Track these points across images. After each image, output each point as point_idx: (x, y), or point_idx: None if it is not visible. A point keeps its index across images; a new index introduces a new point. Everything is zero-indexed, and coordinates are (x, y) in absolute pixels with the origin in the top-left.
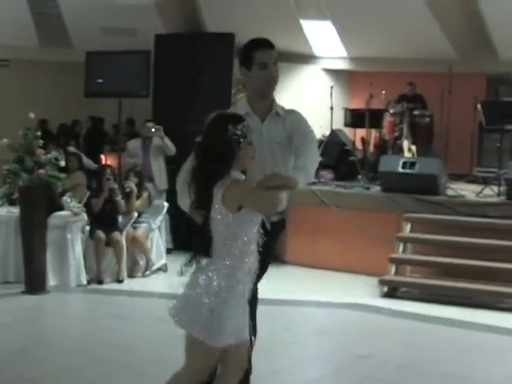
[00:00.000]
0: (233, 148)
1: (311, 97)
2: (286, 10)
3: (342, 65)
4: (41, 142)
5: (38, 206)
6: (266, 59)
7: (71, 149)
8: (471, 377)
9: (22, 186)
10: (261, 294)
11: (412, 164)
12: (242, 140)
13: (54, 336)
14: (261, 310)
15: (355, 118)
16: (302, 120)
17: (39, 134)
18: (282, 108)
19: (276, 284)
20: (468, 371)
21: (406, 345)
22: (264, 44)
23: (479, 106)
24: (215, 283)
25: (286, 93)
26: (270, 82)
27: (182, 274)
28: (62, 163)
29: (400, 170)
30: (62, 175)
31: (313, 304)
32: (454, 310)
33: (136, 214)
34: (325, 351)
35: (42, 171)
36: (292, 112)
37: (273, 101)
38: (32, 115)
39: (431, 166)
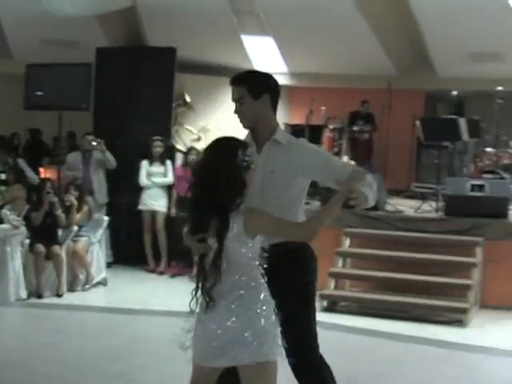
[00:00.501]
0: (243, 174)
1: None
2: (227, 24)
3: (282, 80)
4: None
5: None
6: (232, 97)
7: (21, 162)
8: None
9: None
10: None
11: None
12: (250, 166)
13: None
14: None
15: (295, 134)
16: (309, 150)
17: None
18: (286, 136)
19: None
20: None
21: (348, 358)
22: (231, 80)
23: (418, 123)
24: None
25: (227, 107)
26: (239, 118)
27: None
28: (3, 176)
29: None
30: (2, 188)
31: None
32: (392, 324)
33: (76, 228)
34: None
35: None
36: (298, 142)
37: (274, 129)
38: None
39: None
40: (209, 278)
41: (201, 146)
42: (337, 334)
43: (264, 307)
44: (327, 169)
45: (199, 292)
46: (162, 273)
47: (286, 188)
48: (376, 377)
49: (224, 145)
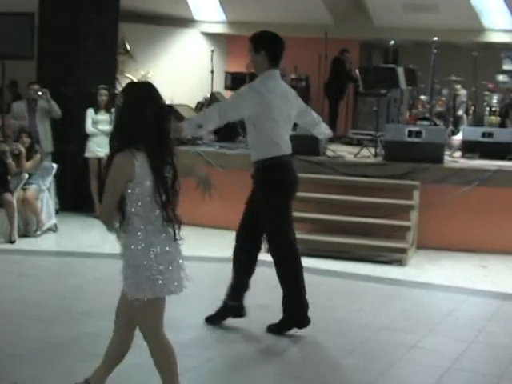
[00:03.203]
0: None
1: (191, 60)
2: None
3: (221, 29)
4: None
5: None
6: None
7: None
8: (359, 321)
9: None
10: None
11: (293, 126)
12: None
13: None
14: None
15: (236, 82)
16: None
17: None
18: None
19: None
20: (356, 316)
21: None
22: None
23: (357, 72)
24: None
25: (167, 55)
26: None
27: None
28: None
29: None
30: None
31: (202, 259)
32: (336, 263)
33: (27, 176)
34: (215, 301)
35: None
36: None
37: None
38: None
39: None
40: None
41: None
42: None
43: None
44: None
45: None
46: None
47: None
48: (328, 311)
49: None
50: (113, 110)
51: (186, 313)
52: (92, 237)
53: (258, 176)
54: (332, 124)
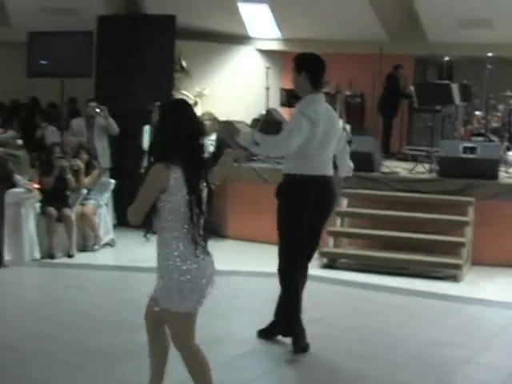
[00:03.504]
0: None
1: (246, 77)
2: None
3: (276, 46)
4: None
5: None
6: None
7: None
8: (414, 336)
9: None
10: None
11: (348, 142)
12: None
13: (21, 306)
14: None
15: (291, 98)
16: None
17: None
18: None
19: (218, 256)
20: (410, 331)
21: (352, 310)
22: None
23: (412, 88)
24: None
25: (223, 72)
26: None
27: None
28: (20, 142)
29: None
30: (20, 153)
31: (259, 274)
32: (391, 279)
33: (85, 191)
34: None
35: (1, 150)
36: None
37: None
38: None
39: (366, 144)
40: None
41: (197, 110)
42: (339, 288)
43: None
44: None
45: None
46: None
47: None
48: (383, 326)
49: None
50: None
51: (239, 327)
52: (147, 252)
53: (285, 188)
54: (386, 141)
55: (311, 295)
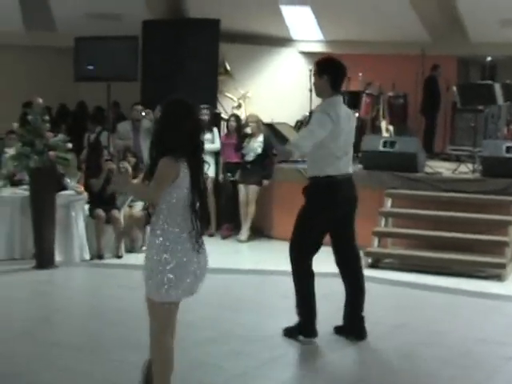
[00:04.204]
0: None
1: (290, 79)
2: None
3: (319, 48)
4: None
5: (47, 186)
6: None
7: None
8: (459, 333)
9: (33, 168)
10: (253, 265)
11: (392, 143)
12: None
13: (72, 305)
14: (256, 279)
15: None
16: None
17: (47, 117)
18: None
19: (265, 257)
20: (455, 329)
21: (397, 308)
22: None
23: (454, 88)
24: None
25: (266, 74)
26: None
27: None
28: (69, 145)
29: (381, 148)
30: (69, 156)
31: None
32: (435, 279)
33: None
34: (326, 315)
35: (52, 153)
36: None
37: (322, 101)
38: (40, 100)
39: (410, 145)
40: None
41: (241, 112)
42: (384, 286)
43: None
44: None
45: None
46: (211, 235)
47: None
48: (428, 324)
49: None
50: (214, 129)
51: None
52: None
53: (312, 190)
54: (429, 141)
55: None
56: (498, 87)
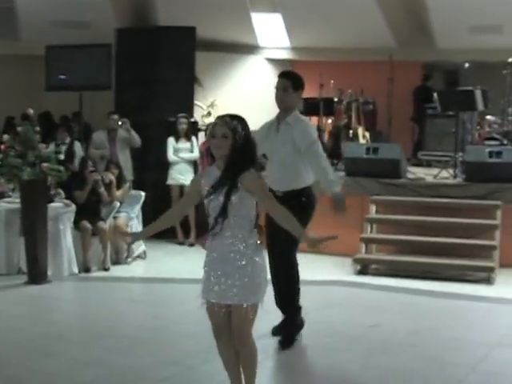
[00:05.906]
0: None
1: (256, 86)
2: (238, 2)
3: (286, 55)
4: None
5: (39, 199)
6: (276, 85)
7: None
8: (471, 338)
9: (25, 180)
10: None
11: (375, 150)
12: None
13: (81, 321)
14: None
15: (309, 106)
16: (305, 129)
17: (38, 129)
18: (295, 118)
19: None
20: (464, 333)
21: (405, 315)
22: (280, 74)
23: (435, 95)
24: None
25: (233, 83)
26: (277, 103)
27: None
28: (62, 156)
29: (365, 155)
30: (62, 168)
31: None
32: (425, 283)
33: (118, 204)
34: (335, 324)
35: (45, 165)
36: (298, 121)
37: (290, 113)
38: (31, 111)
39: (393, 151)
40: None
41: (210, 121)
42: (373, 292)
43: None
44: (311, 151)
45: None
46: (192, 244)
47: (289, 158)
48: (436, 329)
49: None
50: (193, 138)
51: None
52: (177, 263)
53: (305, 203)
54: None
55: (350, 300)
56: (478, 93)
